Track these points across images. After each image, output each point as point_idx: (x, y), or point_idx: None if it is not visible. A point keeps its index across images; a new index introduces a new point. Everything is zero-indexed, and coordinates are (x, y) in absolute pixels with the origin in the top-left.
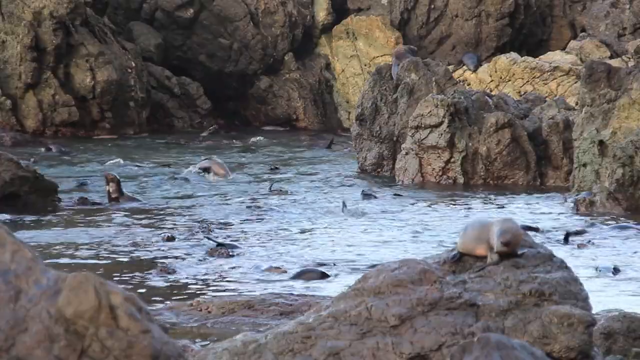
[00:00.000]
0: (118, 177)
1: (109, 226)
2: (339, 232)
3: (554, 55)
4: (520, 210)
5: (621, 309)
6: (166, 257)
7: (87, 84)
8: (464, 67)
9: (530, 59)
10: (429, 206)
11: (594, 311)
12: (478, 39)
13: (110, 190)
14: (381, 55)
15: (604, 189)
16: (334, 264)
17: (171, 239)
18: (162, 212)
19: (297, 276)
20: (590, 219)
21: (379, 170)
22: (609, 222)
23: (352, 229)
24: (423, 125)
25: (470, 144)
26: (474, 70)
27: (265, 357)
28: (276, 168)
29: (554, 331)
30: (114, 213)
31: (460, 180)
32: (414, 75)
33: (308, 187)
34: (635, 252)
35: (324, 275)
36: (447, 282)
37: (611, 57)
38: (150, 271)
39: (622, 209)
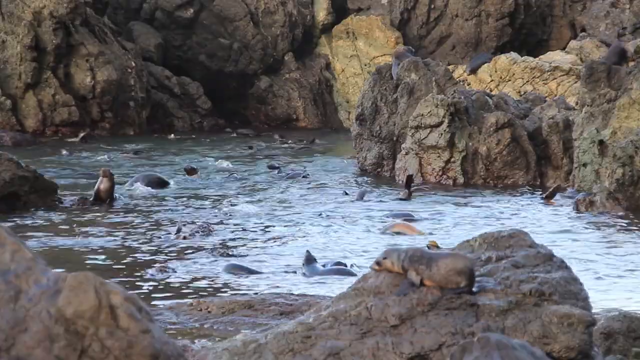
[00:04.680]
0: (112, 176)
1: (109, 226)
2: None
3: (554, 55)
4: (521, 209)
5: (621, 309)
6: (166, 257)
7: (87, 84)
8: (465, 67)
9: (530, 58)
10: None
11: (593, 311)
12: (478, 39)
13: (101, 188)
14: (381, 55)
15: (604, 188)
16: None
17: (183, 236)
18: (159, 212)
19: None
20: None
21: (379, 170)
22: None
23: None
24: (423, 125)
25: (470, 143)
26: (470, 73)
27: (265, 357)
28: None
29: (554, 331)
30: (114, 213)
31: (460, 180)
32: (414, 75)
33: (309, 188)
34: None
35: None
36: None
37: None
38: (150, 271)
39: (622, 209)
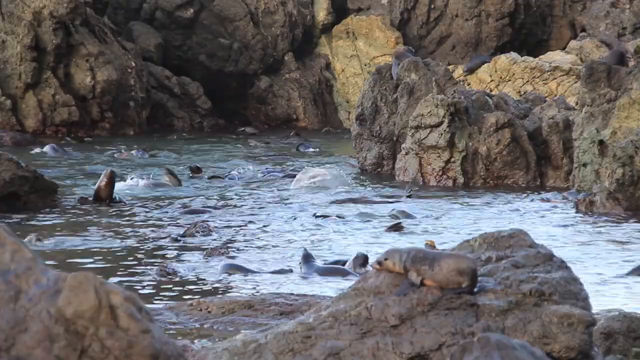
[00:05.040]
0: (115, 177)
1: (109, 226)
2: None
3: (554, 55)
4: (521, 209)
5: (621, 309)
6: (166, 257)
7: (87, 84)
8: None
9: (530, 58)
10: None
11: (593, 311)
12: (478, 39)
13: (101, 187)
14: (381, 55)
15: (604, 189)
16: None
17: (175, 240)
18: (158, 213)
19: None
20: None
21: (379, 170)
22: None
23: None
24: (423, 125)
25: (470, 143)
26: (467, 73)
27: (265, 357)
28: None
29: (554, 331)
30: (114, 213)
31: (460, 180)
32: (414, 75)
33: (306, 187)
34: None
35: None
36: None
37: None
38: (150, 271)
39: (622, 209)
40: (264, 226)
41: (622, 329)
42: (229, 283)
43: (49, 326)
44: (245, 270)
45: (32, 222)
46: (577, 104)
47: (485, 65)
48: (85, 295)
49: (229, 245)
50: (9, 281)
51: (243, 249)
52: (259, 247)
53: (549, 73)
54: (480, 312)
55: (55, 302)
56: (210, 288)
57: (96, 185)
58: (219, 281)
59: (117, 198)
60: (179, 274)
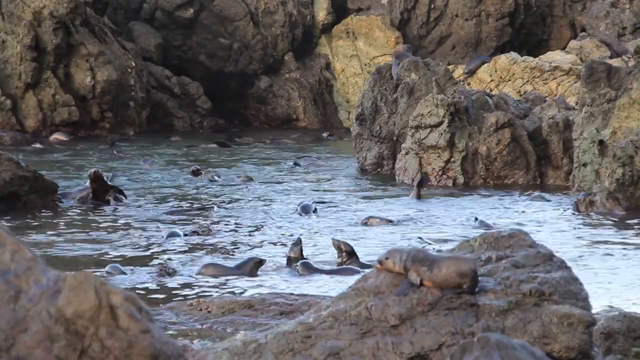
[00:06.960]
0: (101, 173)
1: (108, 226)
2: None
3: (554, 55)
4: (522, 209)
5: (621, 309)
6: (166, 257)
7: (87, 84)
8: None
9: (530, 58)
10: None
11: (593, 311)
12: (478, 39)
13: (92, 188)
14: (381, 55)
15: (604, 188)
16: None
17: (174, 234)
18: (157, 212)
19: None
20: None
21: (379, 170)
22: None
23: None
24: (423, 125)
25: (470, 143)
26: (468, 75)
27: (265, 357)
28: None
29: (554, 331)
30: (113, 213)
31: (460, 180)
32: (414, 75)
33: (309, 189)
34: None
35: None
36: None
37: (611, 57)
38: (150, 271)
39: (622, 209)
40: (261, 225)
41: (622, 329)
42: (228, 283)
43: (49, 326)
44: (223, 268)
45: (32, 222)
46: (577, 104)
47: (485, 65)
48: (85, 295)
49: (229, 245)
50: (9, 281)
51: (243, 249)
52: (259, 247)
53: (549, 73)
54: (480, 312)
55: (55, 302)
56: (210, 288)
57: (88, 187)
58: (218, 281)
59: (116, 196)
60: (179, 274)
